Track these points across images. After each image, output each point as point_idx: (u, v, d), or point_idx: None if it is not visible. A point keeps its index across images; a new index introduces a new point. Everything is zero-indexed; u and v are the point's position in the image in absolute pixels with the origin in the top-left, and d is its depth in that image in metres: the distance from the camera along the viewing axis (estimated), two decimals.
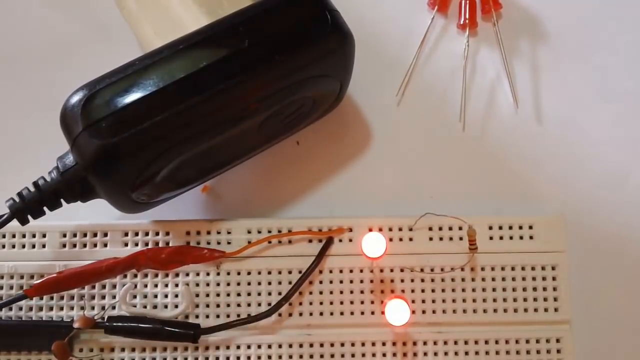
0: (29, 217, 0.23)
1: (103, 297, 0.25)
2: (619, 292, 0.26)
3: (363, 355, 0.24)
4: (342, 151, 0.28)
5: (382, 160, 0.28)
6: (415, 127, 0.28)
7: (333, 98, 0.26)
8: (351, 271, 0.25)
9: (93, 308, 0.25)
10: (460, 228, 0.25)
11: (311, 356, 0.24)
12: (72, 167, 0.22)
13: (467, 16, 0.28)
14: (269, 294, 0.25)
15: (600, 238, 0.27)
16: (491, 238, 0.25)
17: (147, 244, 0.25)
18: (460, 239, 0.25)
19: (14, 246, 0.25)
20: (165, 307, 0.25)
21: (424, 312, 0.25)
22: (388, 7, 0.29)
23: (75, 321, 0.23)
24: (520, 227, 0.25)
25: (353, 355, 0.24)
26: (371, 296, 0.25)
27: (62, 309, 0.25)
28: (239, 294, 0.25)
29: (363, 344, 0.24)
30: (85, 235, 0.25)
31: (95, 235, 0.25)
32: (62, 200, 0.23)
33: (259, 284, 0.25)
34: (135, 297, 0.25)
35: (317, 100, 0.25)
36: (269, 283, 0.25)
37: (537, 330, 0.24)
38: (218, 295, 0.25)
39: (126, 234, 0.25)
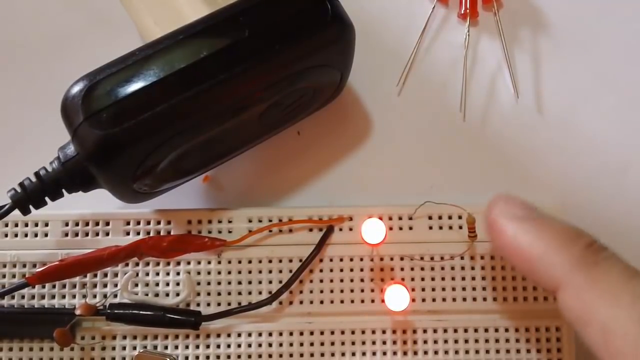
0: (31, 207, 0.23)
1: (105, 285, 0.25)
2: None
3: (363, 343, 0.24)
4: (343, 141, 0.28)
5: (382, 150, 0.28)
6: (415, 117, 0.28)
7: (333, 88, 0.26)
8: (351, 260, 0.25)
9: (95, 296, 0.25)
10: (459, 217, 0.25)
11: (311, 344, 0.24)
12: (73, 158, 0.22)
13: (468, 6, 0.28)
14: (270, 282, 0.25)
15: (599, 228, 0.27)
16: None
17: (148, 233, 0.25)
18: (460, 227, 0.25)
19: (16, 235, 0.25)
20: (167, 295, 0.25)
21: (423, 300, 0.25)
22: None
23: (77, 308, 0.23)
24: None
25: (353, 343, 0.24)
26: (371, 284, 0.25)
27: (64, 297, 0.25)
28: (239, 282, 0.25)
29: (363, 332, 0.24)
30: (87, 224, 0.25)
31: (97, 224, 0.25)
32: (63, 190, 0.23)
33: (260, 272, 0.25)
34: (136, 285, 0.25)
35: (318, 90, 0.25)
36: (270, 271, 0.25)
37: (536, 319, 0.25)
38: (219, 283, 0.25)
39: (128, 223, 0.25)
